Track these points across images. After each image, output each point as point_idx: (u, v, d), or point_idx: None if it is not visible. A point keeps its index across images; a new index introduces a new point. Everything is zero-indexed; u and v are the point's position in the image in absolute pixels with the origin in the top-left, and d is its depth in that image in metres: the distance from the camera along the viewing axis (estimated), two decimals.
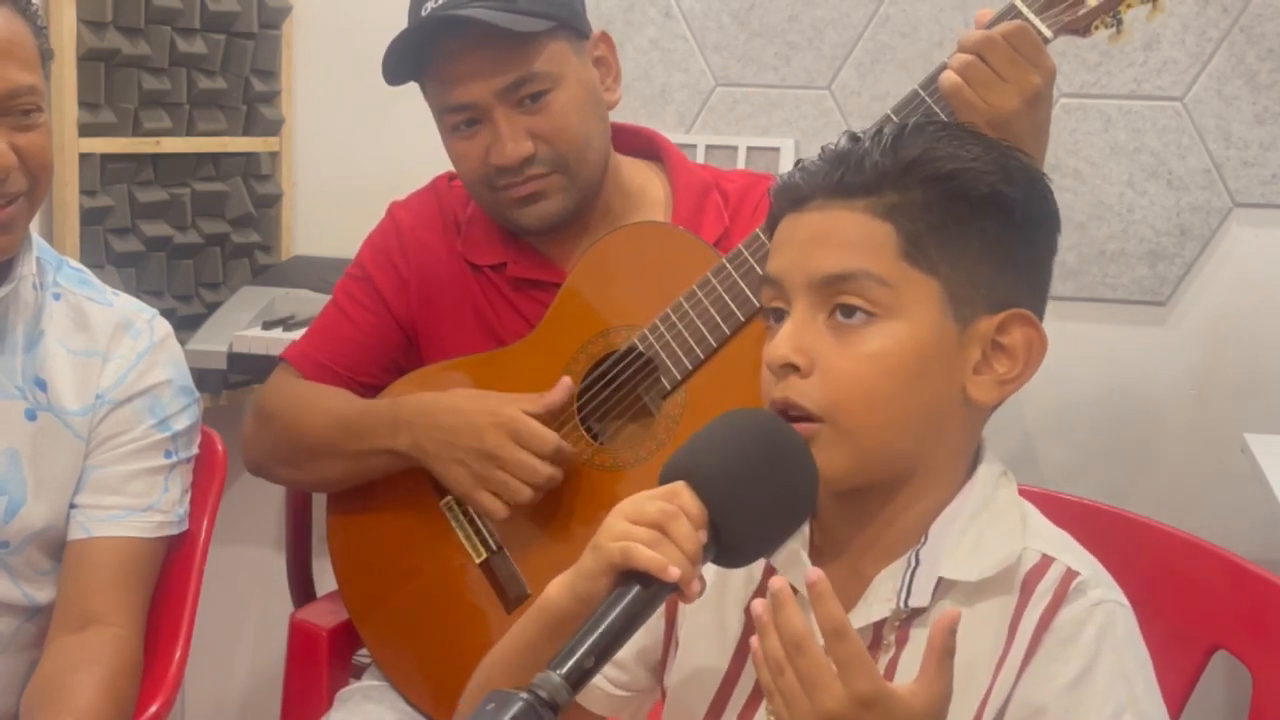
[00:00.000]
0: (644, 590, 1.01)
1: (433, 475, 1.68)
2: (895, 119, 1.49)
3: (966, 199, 1.09)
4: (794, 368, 1.08)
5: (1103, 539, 1.18)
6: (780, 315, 1.12)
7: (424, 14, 1.65)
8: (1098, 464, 2.36)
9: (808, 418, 1.08)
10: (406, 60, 1.67)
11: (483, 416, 1.61)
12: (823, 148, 1.16)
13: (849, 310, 1.08)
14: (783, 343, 1.09)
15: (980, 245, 1.09)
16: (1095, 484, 2.28)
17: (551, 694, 0.94)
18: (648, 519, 1.02)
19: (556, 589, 1.09)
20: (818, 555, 1.15)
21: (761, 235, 1.54)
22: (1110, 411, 2.35)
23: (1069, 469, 2.36)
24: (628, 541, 1.02)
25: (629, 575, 1.01)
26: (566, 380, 1.62)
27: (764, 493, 1.04)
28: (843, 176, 1.10)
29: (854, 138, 1.13)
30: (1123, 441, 2.36)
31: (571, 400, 1.63)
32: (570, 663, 0.96)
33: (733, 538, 1.04)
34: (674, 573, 1.00)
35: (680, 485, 1.04)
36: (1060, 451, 2.37)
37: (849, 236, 1.08)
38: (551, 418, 1.61)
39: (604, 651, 0.98)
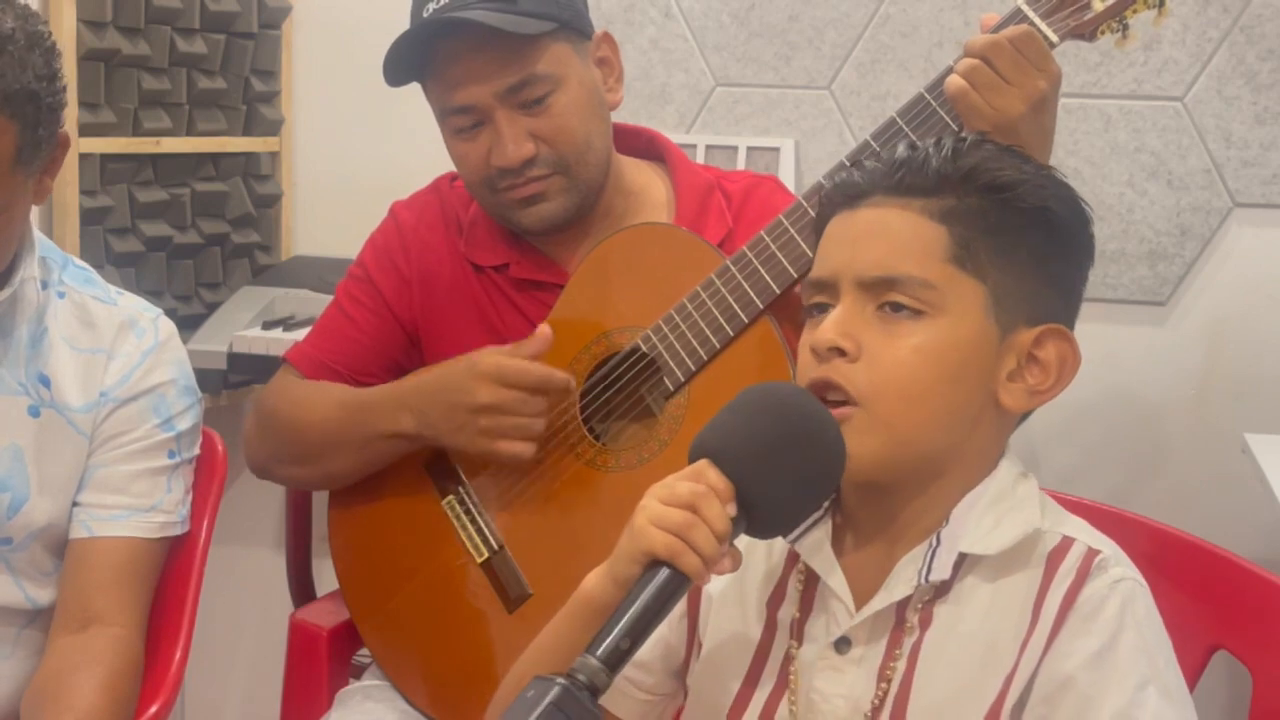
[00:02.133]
0: (675, 571, 1.03)
1: (449, 453, 1.67)
2: (901, 122, 1.50)
3: (1020, 210, 1.13)
4: (841, 352, 1.11)
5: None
6: (823, 309, 1.15)
7: (425, 15, 1.64)
8: (1097, 464, 2.36)
9: (845, 400, 1.10)
10: (408, 62, 1.67)
11: (465, 375, 1.61)
12: (880, 152, 1.20)
13: (897, 306, 1.11)
14: (831, 327, 1.12)
15: (1027, 257, 1.13)
16: (1095, 484, 2.28)
17: (590, 677, 0.96)
18: (679, 500, 1.05)
19: (594, 579, 1.12)
20: (842, 543, 1.17)
21: (786, 223, 1.55)
22: (1110, 412, 2.36)
23: (1069, 469, 2.36)
24: (670, 538, 1.03)
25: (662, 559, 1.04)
26: (545, 329, 1.61)
27: (790, 462, 1.06)
28: (904, 177, 1.14)
29: (913, 145, 1.17)
30: (1122, 442, 2.36)
31: (547, 347, 1.61)
32: (606, 645, 0.98)
33: (761, 510, 1.06)
34: (708, 580, 1.05)
35: (705, 463, 1.06)
36: (1060, 451, 2.38)
37: (901, 235, 1.12)
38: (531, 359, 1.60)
39: (640, 633, 1.00)
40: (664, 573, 1.03)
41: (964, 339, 1.11)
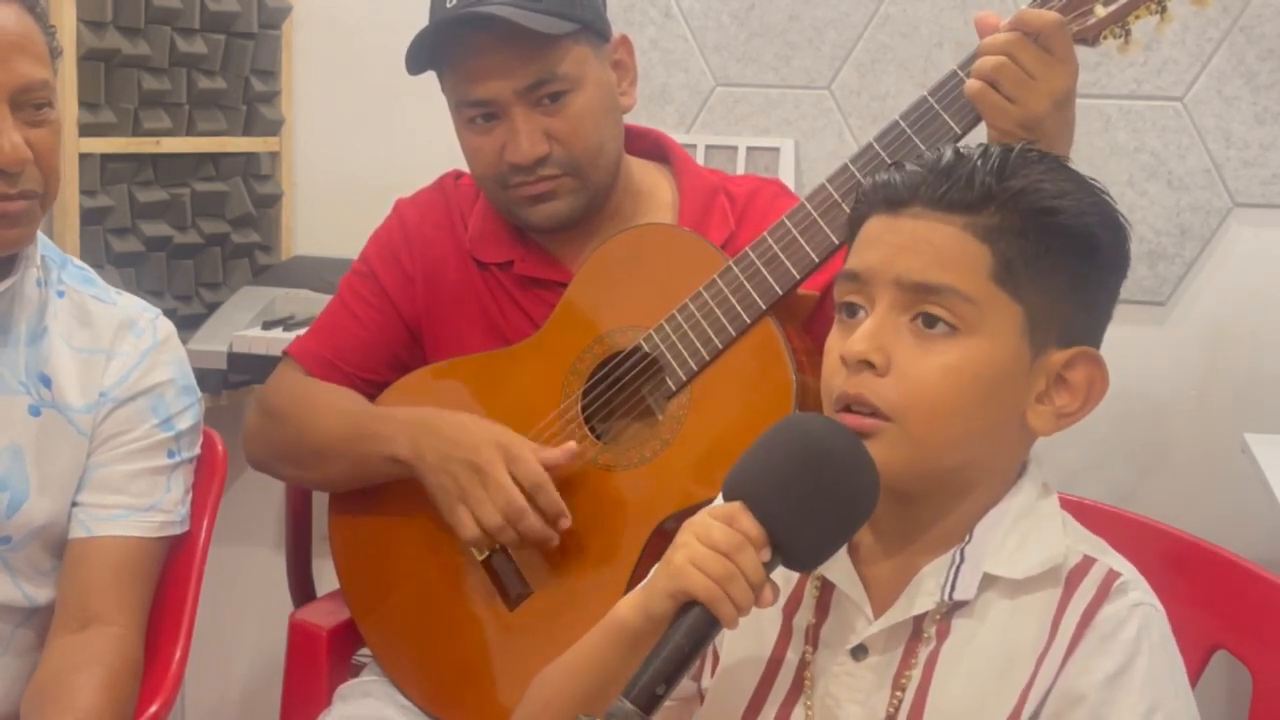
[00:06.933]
0: (710, 616, 1.06)
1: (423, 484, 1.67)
2: (904, 125, 1.50)
3: (1063, 233, 1.11)
4: (870, 365, 1.09)
5: (1103, 539, 1.19)
6: (854, 311, 1.14)
7: (449, 5, 1.65)
8: (1097, 464, 2.35)
9: (875, 414, 1.10)
10: (431, 51, 1.67)
11: (483, 435, 1.61)
12: (921, 155, 1.18)
13: (932, 320, 1.10)
14: (862, 339, 1.10)
15: (1066, 280, 1.12)
16: (1095, 484, 2.28)
17: None
18: (716, 545, 1.05)
19: (628, 608, 1.12)
20: (861, 550, 1.18)
21: (789, 224, 1.54)
22: (1110, 412, 2.32)
23: (1070, 469, 2.35)
24: (709, 582, 1.04)
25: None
26: (572, 445, 1.61)
27: (824, 509, 1.07)
28: (948, 190, 1.11)
29: (958, 152, 1.14)
30: (1122, 442, 2.36)
31: (570, 460, 1.61)
32: (642, 690, 1.01)
33: (794, 552, 1.08)
34: (737, 625, 1.06)
35: (739, 508, 1.07)
36: (1061, 451, 2.35)
37: (944, 249, 1.10)
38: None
39: (674, 676, 1.03)
40: (699, 616, 1.05)
41: (996, 360, 1.10)
